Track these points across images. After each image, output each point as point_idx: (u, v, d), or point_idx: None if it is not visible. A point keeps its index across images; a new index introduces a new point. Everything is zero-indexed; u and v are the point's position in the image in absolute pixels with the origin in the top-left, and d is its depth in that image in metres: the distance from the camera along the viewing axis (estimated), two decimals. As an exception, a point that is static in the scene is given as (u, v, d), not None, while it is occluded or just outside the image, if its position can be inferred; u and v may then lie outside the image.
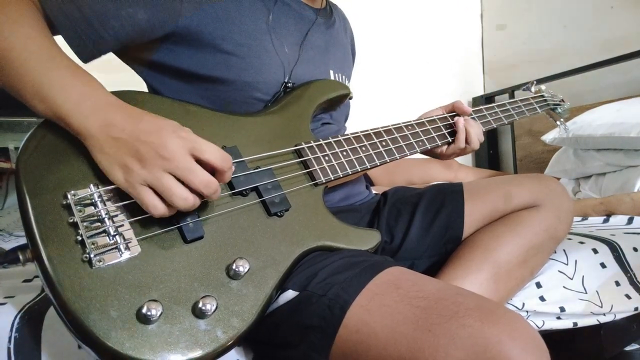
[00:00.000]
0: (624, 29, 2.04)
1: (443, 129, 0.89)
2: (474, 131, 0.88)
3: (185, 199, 0.52)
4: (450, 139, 0.89)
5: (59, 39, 0.61)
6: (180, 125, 0.55)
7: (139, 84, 0.73)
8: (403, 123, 0.84)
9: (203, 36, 0.68)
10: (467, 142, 0.88)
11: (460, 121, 0.87)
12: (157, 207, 0.52)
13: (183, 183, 0.52)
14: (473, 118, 0.93)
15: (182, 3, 0.66)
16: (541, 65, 2.37)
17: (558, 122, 1.27)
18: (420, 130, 0.86)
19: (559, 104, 1.22)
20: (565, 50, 2.29)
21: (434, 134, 0.87)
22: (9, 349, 0.56)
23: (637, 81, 1.95)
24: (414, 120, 0.87)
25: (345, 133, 0.77)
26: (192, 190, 0.53)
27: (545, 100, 1.18)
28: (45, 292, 0.50)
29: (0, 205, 1.86)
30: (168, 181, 0.51)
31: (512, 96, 2.44)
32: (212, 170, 0.54)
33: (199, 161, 0.53)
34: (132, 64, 0.73)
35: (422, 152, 0.87)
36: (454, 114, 0.92)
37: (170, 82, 0.72)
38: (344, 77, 0.90)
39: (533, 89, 1.19)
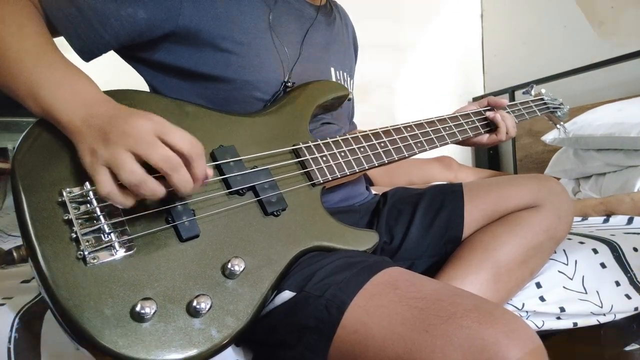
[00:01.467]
0: (624, 29, 2.04)
1: (442, 131, 0.89)
2: (510, 123, 0.97)
3: (131, 172, 0.48)
4: (448, 140, 0.90)
5: (60, 39, 0.62)
6: (154, 114, 0.53)
7: (139, 84, 0.73)
8: (402, 124, 0.84)
9: (203, 35, 0.68)
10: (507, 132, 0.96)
11: (499, 117, 0.95)
12: (105, 185, 0.49)
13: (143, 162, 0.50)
14: (508, 112, 1.01)
15: (182, 2, 0.66)
16: (541, 65, 2.37)
17: (558, 126, 1.27)
18: (420, 132, 0.85)
19: (558, 107, 1.22)
20: (565, 50, 2.29)
21: (432, 136, 0.87)
22: (8, 349, 0.56)
23: (637, 81, 1.95)
24: (412, 122, 0.86)
25: (344, 134, 0.77)
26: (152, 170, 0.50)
27: (545, 104, 1.18)
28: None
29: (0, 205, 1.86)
30: (122, 156, 0.49)
31: (512, 96, 2.44)
32: (182, 158, 0.51)
33: (166, 144, 0.50)
34: (132, 63, 0.73)
35: (455, 143, 0.94)
36: (487, 108, 0.98)
37: (170, 81, 0.72)
38: (345, 74, 0.90)
39: (533, 92, 1.19)
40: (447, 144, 0.89)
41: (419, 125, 0.86)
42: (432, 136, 0.86)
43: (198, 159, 0.52)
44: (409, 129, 0.84)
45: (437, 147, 0.87)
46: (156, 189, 0.50)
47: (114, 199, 0.50)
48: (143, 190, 0.50)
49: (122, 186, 0.50)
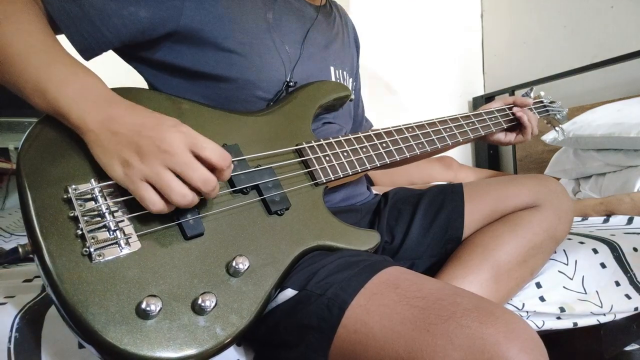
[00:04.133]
0: (624, 29, 2.04)
1: (443, 132, 0.90)
2: (535, 122, 1.03)
3: (183, 196, 0.51)
4: (449, 142, 0.91)
5: (61, 37, 0.62)
6: (180, 122, 0.55)
7: (136, 84, 0.73)
8: (403, 125, 0.84)
9: (204, 34, 0.68)
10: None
11: (525, 118, 1.00)
12: (156, 204, 0.51)
13: (182, 179, 0.52)
14: (531, 110, 1.07)
15: (184, 2, 0.66)
16: (541, 65, 2.37)
17: (556, 128, 1.27)
18: (421, 133, 0.86)
19: (557, 110, 1.23)
20: (565, 50, 2.29)
21: (433, 137, 0.88)
22: (9, 349, 0.56)
23: (637, 81, 1.95)
24: (413, 123, 0.87)
25: (347, 134, 0.77)
26: (191, 187, 0.52)
27: (545, 106, 1.19)
28: (45, 291, 0.50)
29: (1, 206, 1.86)
30: (167, 176, 0.51)
31: (512, 96, 2.43)
32: (211, 168, 0.54)
33: (198, 158, 0.53)
34: (133, 62, 0.73)
35: (478, 139, 0.99)
36: (510, 105, 1.04)
37: (172, 80, 0.72)
38: (344, 73, 0.90)
39: (532, 94, 1.20)
40: (449, 146, 0.90)
41: (420, 126, 0.87)
42: (433, 137, 0.87)
43: (228, 170, 0.55)
44: (410, 129, 0.85)
45: (437, 148, 0.88)
46: (196, 201, 0.54)
47: (163, 211, 0.52)
48: (185, 206, 0.53)
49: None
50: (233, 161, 0.63)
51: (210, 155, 0.53)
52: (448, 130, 0.90)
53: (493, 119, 0.99)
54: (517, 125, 1.05)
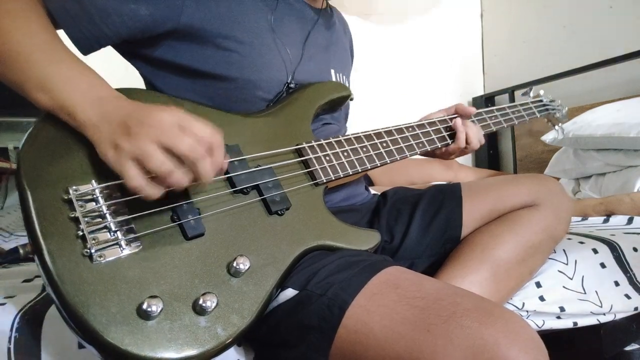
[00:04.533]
0: (624, 29, 2.04)
1: (443, 131, 0.90)
2: (472, 132, 0.90)
3: (162, 162, 0.50)
4: (449, 141, 0.90)
5: (60, 32, 0.62)
6: (174, 108, 0.54)
7: (133, 82, 0.73)
8: (403, 125, 0.85)
9: (205, 33, 0.68)
10: (466, 142, 0.90)
11: (459, 122, 0.89)
12: (134, 178, 0.50)
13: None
14: (472, 121, 0.95)
15: (184, 0, 0.66)
16: (541, 65, 2.37)
17: (556, 127, 1.27)
18: (421, 132, 0.86)
19: (557, 109, 1.23)
20: (565, 50, 2.29)
21: (433, 136, 0.88)
22: (9, 349, 0.56)
23: (637, 81, 1.95)
24: (414, 122, 0.87)
25: (346, 134, 0.77)
26: (179, 161, 0.51)
27: (544, 105, 1.19)
28: (45, 291, 0.50)
29: (0, 205, 1.86)
30: (149, 147, 0.50)
31: (512, 96, 2.44)
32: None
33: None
34: (132, 59, 0.73)
35: (422, 154, 0.88)
36: (453, 115, 0.92)
37: (171, 78, 0.72)
38: (344, 77, 0.90)
39: (532, 93, 1.20)
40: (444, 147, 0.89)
41: (420, 125, 0.87)
42: (434, 136, 0.87)
43: (219, 148, 0.54)
44: (410, 129, 0.85)
45: (438, 146, 0.88)
46: (183, 178, 0.52)
47: (143, 191, 0.51)
48: (171, 180, 0.51)
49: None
50: (233, 161, 0.63)
51: (200, 130, 0.52)
52: (448, 129, 0.90)
53: (436, 131, 0.88)
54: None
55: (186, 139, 0.51)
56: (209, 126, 0.53)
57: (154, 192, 0.52)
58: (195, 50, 0.69)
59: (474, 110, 0.93)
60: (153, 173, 0.50)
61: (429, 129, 0.88)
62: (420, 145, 0.85)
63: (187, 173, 0.52)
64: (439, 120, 0.91)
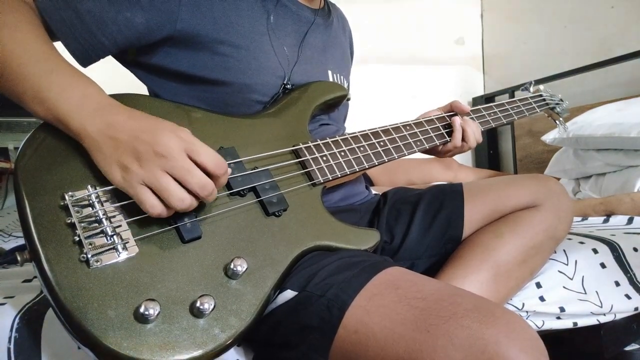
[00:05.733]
0: (624, 29, 2.04)
1: (441, 129, 0.89)
2: (470, 129, 0.89)
3: (182, 200, 0.52)
4: (448, 138, 0.89)
5: (58, 44, 0.62)
6: (178, 126, 0.55)
7: (134, 88, 0.73)
8: (401, 123, 0.84)
9: (200, 39, 0.68)
10: (464, 140, 0.89)
11: (457, 120, 0.89)
12: (155, 207, 0.52)
13: (180, 183, 0.52)
14: (471, 118, 0.94)
15: (180, 7, 0.66)
16: (541, 65, 2.37)
17: (557, 122, 1.27)
18: (419, 131, 0.86)
19: (557, 103, 1.22)
20: (565, 50, 2.29)
21: (432, 134, 0.87)
22: (9, 349, 0.56)
23: (637, 81, 1.95)
24: (412, 121, 0.87)
25: (344, 133, 0.77)
26: (189, 192, 0.53)
27: (544, 100, 1.18)
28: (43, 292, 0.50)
29: (0, 205, 1.86)
30: (166, 181, 0.51)
31: (512, 96, 2.44)
32: (208, 173, 0.54)
33: (194, 163, 0.53)
34: (130, 67, 0.73)
35: (421, 152, 0.88)
36: (451, 113, 0.92)
37: (169, 84, 0.72)
38: (341, 77, 0.90)
39: (532, 89, 1.19)
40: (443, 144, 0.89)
41: (418, 124, 0.86)
42: (432, 134, 0.87)
43: (224, 177, 0.56)
44: (407, 127, 0.84)
45: (425, 148, 0.87)
46: (193, 206, 0.54)
47: (163, 215, 0.53)
48: (183, 207, 0.53)
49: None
50: (230, 164, 0.63)
51: (206, 161, 0.53)
52: (446, 127, 0.90)
53: (435, 129, 0.88)
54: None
55: (197, 176, 0.52)
56: (214, 154, 0.54)
57: (168, 215, 0.54)
58: (191, 56, 0.69)
59: (468, 108, 0.92)
60: (170, 207, 0.52)
61: (427, 127, 0.87)
62: (419, 143, 0.84)
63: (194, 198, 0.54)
64: (437, 118, 0.90)
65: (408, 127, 0.84)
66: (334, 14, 0.93)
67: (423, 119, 0.89)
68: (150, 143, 0.52)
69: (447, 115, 0.91)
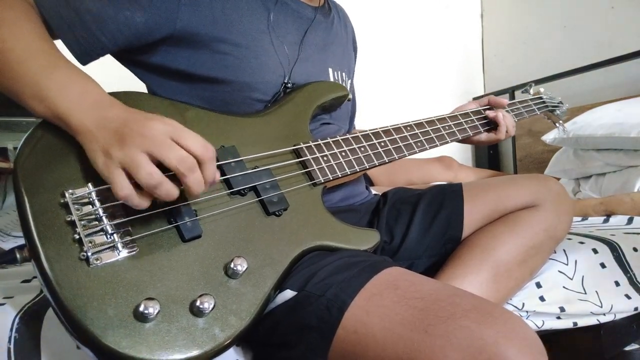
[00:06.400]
0: (624, 29, 2.04)
1: (476, 121, 0.96)
2: (510, 123, 0.98)
3: (150, 174, 0.49)
4: (481, 129, 0.95)
5: (58, 42, 0.62)
6: (170, 119, 0.54)
7: (134, 87, 0.73)
8: (402, 124, 0.84)
9: (200, 38, 0.68)
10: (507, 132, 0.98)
11: (500, 115, 0.96)
12: (124, 188, 0.49)
13: (160, 162, 0.51)
14: (507, 111, 1.03)
15: (180, 6, 0.66)
16: (541, 65, 2.37)
17: (557, 124, 1.27)
18: (432, 128, 0.87)
19: (557, 106, 1.23)
20: (565, 50, 2.29)
21: (465, 126, 0.93)
22: (9, 349, 0.56)
23: (637, 81, 1.95)
24: (447, 114, 0.92)
25: (344, 133, 0.77)
26: (168, 172, 0.51)
27: (544, 102, 1.18)
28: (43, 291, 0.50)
29: (0, 205, 1.86)
30: (138, 157, 0.49)
31: (512, 96, 2.44)
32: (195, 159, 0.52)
33: (182, 148, 0.51)
34: (130, 66, 0.73)
35: (455, 142, 0.95)
36: (486, 107, 1.00)
37: (169, 83, 0.72)
38: (343, 74, 0.90)
39: (532, 90, 1.19)
40: (447, 142, 0.90)
41: (419, 124, 0.87)
42: (432, 135, 0.87)
43: (210, 162, 0.53)
44: (408, 128, 0.84)
45: (437, 145, 0.88)
46: (172, 190, 0.51)
47: (131, 201, 0.50)
48: (159, 192, 0.50)
49: (137, 186, 0.50)
50: (230, 162, 0.63)
51: (191, 144, 0.52)
52: (447, 128, 0.90)
53: (470, 121, 0.96)
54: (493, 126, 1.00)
55: (176, 151, 0.50)
56: (201, 139, 0.53)
57: (141, 202, 0.51)
58: (191, 55, 0.69)
59: (506, 101, 1.01)
60: (140, 184, 0.50)
61: (462, 120, 0.93)
62: (419, 144, 0.84)
63: (176, 185, 0.52)
64: (473, 112, 0.96)
65: (409, 128, 0.84)
66: (334, 11, 0.93)
67: (458, 112, 0.96)
68: (137, 126, 0.51)
69: (448, 117, 0.92)
